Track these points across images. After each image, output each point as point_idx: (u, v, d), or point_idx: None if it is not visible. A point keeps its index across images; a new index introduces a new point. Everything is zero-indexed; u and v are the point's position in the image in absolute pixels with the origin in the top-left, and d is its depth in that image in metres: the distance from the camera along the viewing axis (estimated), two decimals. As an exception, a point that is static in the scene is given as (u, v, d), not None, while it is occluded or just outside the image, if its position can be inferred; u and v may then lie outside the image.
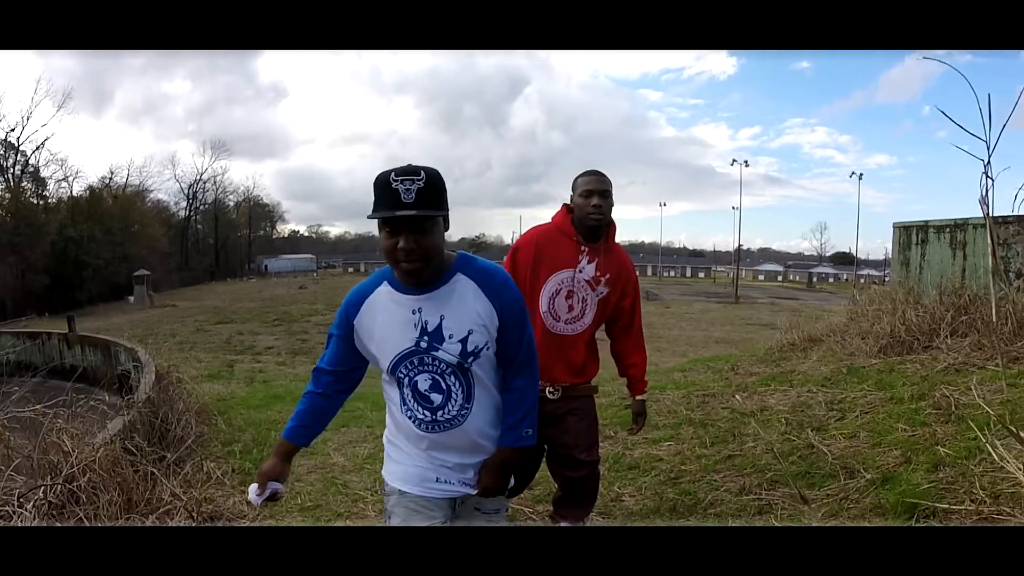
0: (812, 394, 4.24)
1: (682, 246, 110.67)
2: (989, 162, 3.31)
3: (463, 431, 1.59)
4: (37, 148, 42.87)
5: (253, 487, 1.61)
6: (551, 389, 2.31)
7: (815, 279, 68.14)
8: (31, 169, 42.75)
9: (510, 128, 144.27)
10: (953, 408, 3.12)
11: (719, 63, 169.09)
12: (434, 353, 1.55)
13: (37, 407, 2.88)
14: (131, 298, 34.99)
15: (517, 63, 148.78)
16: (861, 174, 46.44)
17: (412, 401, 1.59)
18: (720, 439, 3.77)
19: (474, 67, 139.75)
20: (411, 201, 1.41)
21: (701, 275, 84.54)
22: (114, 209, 46.70)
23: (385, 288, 1.58)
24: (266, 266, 64.69)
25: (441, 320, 1.53)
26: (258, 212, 67.69)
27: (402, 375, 1.57)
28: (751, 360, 6.56)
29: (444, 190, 1.48)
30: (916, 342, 4.73)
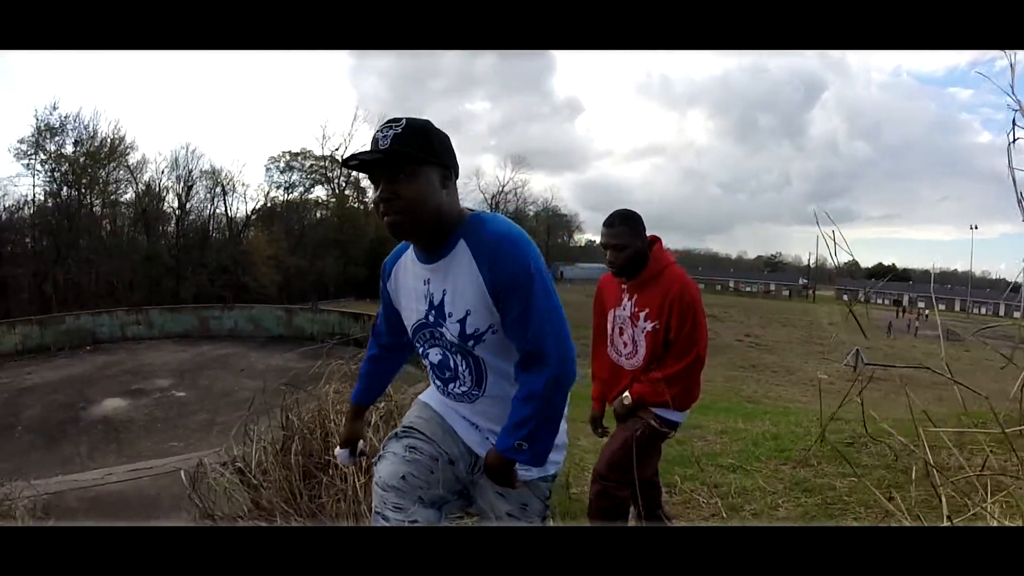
0: (1002, 454, 4.04)
1: (999, 277, 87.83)
2: None
3: (476, 407, 1.46)
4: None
5: (342, 452, 1.70)
6: (618, 405, 2.37)
7: None
8: (353, 180, 48.74)
9: (809, 138, 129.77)
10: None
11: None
12: (440, 329, 1.37)
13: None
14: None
15: (810, 66, 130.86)
16: None
17: (428, 370, 1.50)
18: (897, 484, 3.91)
19: (765, 73, 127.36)
20: (386, 146, 1.23)
21: (1016, 314, 66.34)
22: (424, 216, 54.30)
23: (410, 253, 1.44)
24: (562, 272, 63.88)
25: (444, 295, 1.34)
26: (556, 222, 67.69)
27: (419, 345, 1.47)
28: (1009, 419, 5.93)
29: (432, 137, 1.27)
30: None
